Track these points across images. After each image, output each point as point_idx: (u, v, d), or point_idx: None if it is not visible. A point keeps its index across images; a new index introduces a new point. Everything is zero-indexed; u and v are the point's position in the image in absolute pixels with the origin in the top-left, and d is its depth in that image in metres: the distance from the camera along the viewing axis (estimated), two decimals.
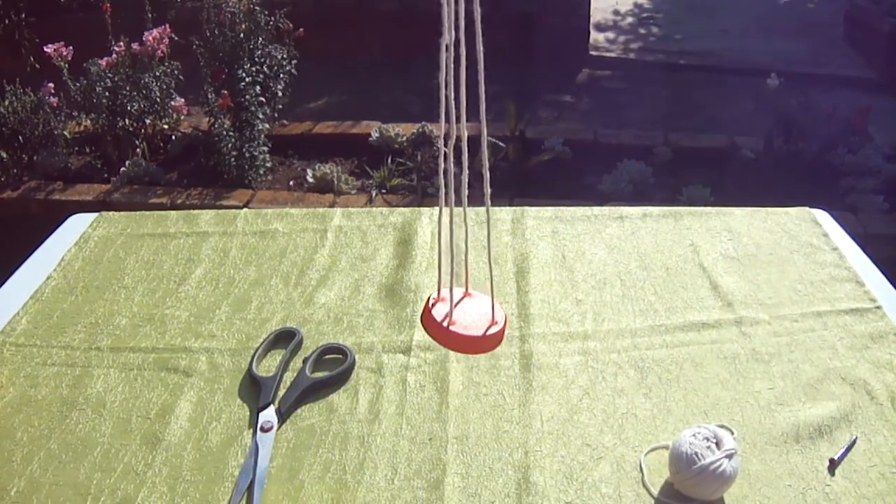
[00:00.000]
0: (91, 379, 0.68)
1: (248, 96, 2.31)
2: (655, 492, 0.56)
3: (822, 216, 0.89)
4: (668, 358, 0.68)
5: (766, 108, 2.68)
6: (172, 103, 2.45)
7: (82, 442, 0.61)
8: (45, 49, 2.26)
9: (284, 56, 2.49)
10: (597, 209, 0.91)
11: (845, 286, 0.77)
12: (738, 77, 3.35)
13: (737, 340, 0.70)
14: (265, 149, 2.43)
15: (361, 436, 0.61)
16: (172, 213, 0.93)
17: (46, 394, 0.66)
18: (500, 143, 2.46)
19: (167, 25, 2.34)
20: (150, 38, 2.30)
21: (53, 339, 0.73)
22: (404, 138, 2.54)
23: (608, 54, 3.73)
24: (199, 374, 0.68)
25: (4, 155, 2.34)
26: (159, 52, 2.32)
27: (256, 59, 2.39)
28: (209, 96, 2.25)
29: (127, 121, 2.39)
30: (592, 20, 3.76)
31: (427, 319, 0.37)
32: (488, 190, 0.25)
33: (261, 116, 2.38)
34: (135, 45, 2.31)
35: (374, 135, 2.56)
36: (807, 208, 0.90)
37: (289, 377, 0.67)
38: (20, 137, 2.34)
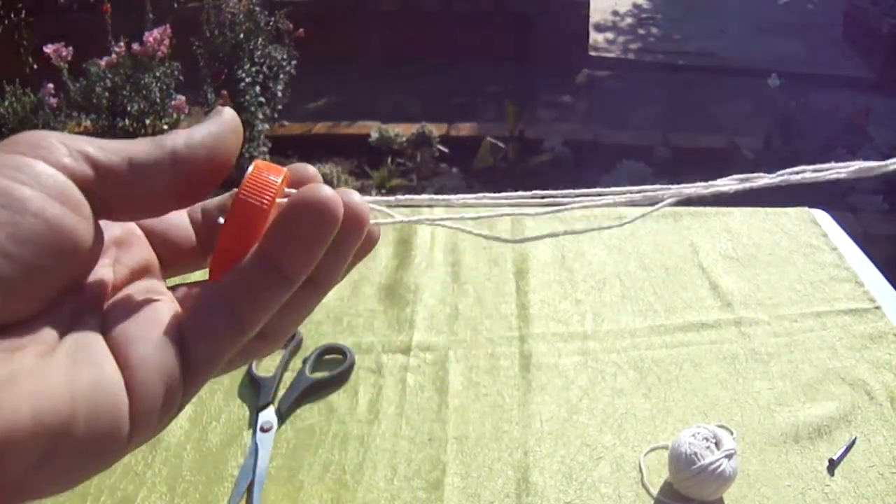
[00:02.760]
0: None
1: (247, 97, 2.31)
2: (655, 492, 0.56)
3: (821, 216, 0.89)
4: (668, 358, 0.68)
5: (765, 109, 2.68)
6: (173, 102, 2.45)
7: None
8: (45, 50, 2.26)
9: (284, 56, 2.50)
10: (596, 209, 0.91)
11: (845, 286, 0.77)
12: (737, 77, 3.35)
13: (736, 341, 0.70)
14: (265, 149, 2.43)
15: (361, 436, 0.61)
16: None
17: None
18: (500, 144, 2.46)
19: (167, 26, 2.34)
20: (151, 38, 2.30)
21: None
22: (404, 138, 2.55)
23: (608, 55, 3.73)
24: None
25: None
26: (160, 52, 2.32)
27: (256, 60, 2.40)
28: (209, 97, 2.25)
29: (127, 121, 2.39)
30: (592, 20, 3.76)
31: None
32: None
33: (260, 117, 2.38)
34: (135, 46, 2.31)
35: (374, 135, 2.56)
36: (806, 208, 0.90)
37: (288, 377, 0.67)
38: None
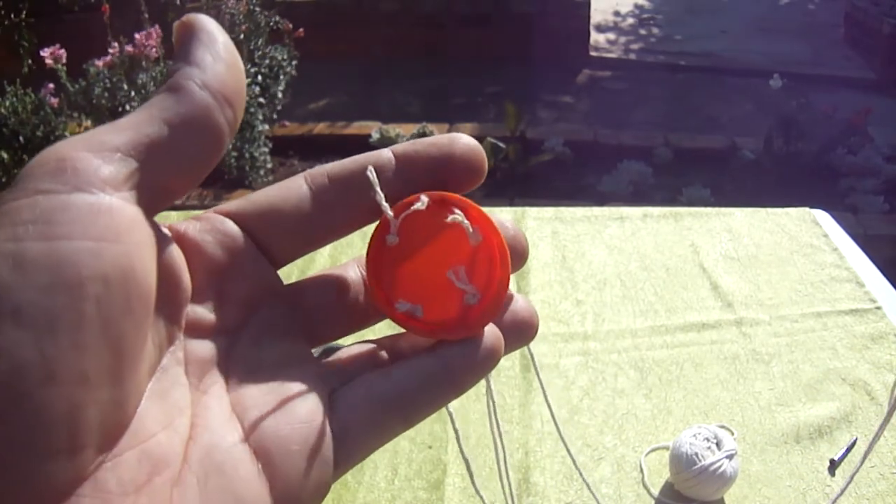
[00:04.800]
0: None
1: (247, 97, 2.31)
2: (655, 492, 0.56)
3: (822, 217, 0.89)
4: (669, 358, 0.68)
5: (766, 109, 2.68)
6: None
7: None
8: (42, 53, 2.26)
9: (284, 57, 2.50)
10: (597, 210, 0.91)
11: (845, 287, 0.77)
12: (738, 78, 3.35)
13: (737, 341, 0.70)
14: (265, 149, 2.43)
15: None
16: (172, 213, 0.93)
17: None
18: (501, 144, 2.46)
19: (157, 26, 2.33)
20: (142, 38, 2.29)
21: None
22: (404, 139, 2.55)
23: (608, 55, 3.73)
24: None
25: (5, 155, 2.34)
26: (153, 52, 2.32)
27: (256, 60, 2.40)
28: None
29: None
30: (593, 21, 3.77)
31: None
32: None
33: (261, 117, 2.39)
34: (128, 47, 2.31)
35: (375, 135, 2.56)
36: (807, 209, 0.90)
37: None
38: (20, 138, 2.34)
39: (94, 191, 0.17)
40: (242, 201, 0.22)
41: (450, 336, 0.22)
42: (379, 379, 0.21)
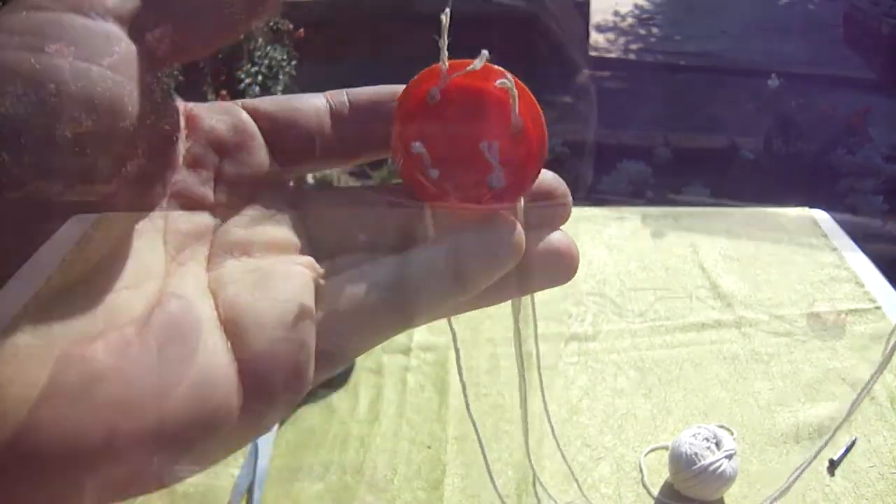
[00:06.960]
0: None
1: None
2: (655, 492, 0.56)
3: (821, 217, 0.89)
4: (668, 358, 0.68)
5: (765, 109, 2.68)
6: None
7: None
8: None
9: (284, 57, 2.50)
10: (596, 209, 0.91)
11: (845, 287, 0.77)
12: (737, 78, 3.35)
13: (736, 341, 0.70)
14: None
15: (361, 436, 0.61)
16: None
17: None
18: None
19: None
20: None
21: None
22: None
23: (608, 55, 3.73)
24: None
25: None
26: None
27: (256, 60, 2.40)
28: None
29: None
30: (592, 21, 3.76)
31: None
32: None
33: None
34: None
35: None
36: (806, 209, 0.90)
37: None
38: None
39: (93, 15, 0.16)
40: (261, 98, 0.21)
41: (458, 206, 0.20)
42: (374, 266, 0.19)
